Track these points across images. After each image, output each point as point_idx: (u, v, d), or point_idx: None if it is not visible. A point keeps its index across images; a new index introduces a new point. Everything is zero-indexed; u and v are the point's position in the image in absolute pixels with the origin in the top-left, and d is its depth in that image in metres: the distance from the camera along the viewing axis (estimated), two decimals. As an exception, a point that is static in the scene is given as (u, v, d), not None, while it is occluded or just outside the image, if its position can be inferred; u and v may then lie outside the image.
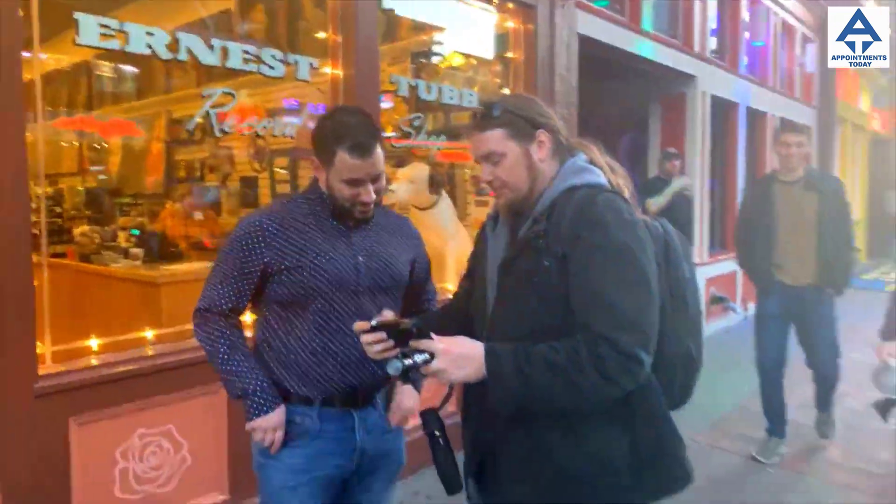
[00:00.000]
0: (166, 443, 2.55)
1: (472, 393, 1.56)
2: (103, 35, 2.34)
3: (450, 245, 4.01)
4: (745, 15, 7.80)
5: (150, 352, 2.66)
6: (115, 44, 2.37)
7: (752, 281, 4.09)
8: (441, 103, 3.81)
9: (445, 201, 4.15)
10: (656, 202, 5.48)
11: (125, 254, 4.64)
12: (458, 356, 1.36)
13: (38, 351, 2.24)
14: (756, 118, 8.46)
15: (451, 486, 1.53)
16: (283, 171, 5.55)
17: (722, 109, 7.53)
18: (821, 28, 10.04)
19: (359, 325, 1.54)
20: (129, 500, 2.45)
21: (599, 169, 1.54)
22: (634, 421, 1.42)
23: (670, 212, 5.35)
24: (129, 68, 5.67)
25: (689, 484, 1.48)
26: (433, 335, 1.39)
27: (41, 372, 2.23)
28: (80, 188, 6.14)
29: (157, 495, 2.53)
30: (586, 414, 1.40)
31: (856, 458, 3.92)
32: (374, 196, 1.73)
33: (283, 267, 1.69)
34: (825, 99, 10.38)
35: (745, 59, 7.99)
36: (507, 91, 4.36)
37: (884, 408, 3.41)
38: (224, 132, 2.73)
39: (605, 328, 1.31)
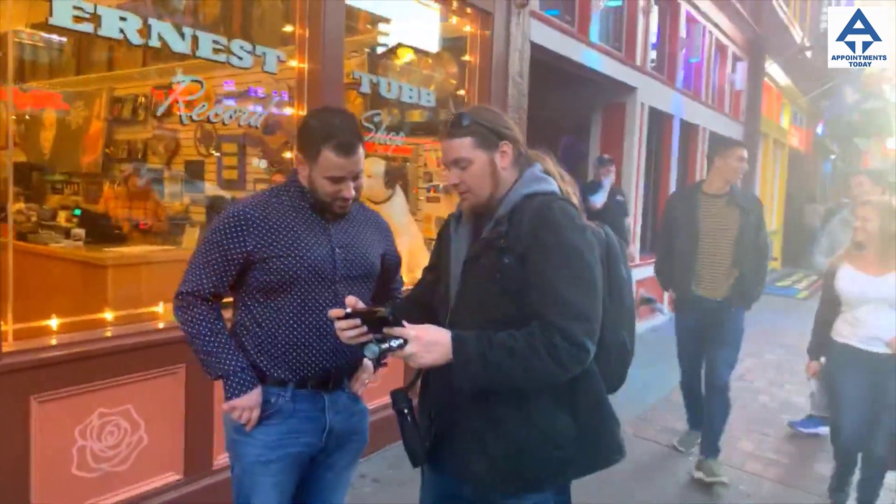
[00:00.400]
0: (124, 422, 2.58)
1: (432, 376, 1.71)
2: (76, 17, 2.35)
3: (402, 239, 4.11)
4: (682, 32, 8.23)
5: (108, 333, 2.68)
6: (88, 27, 2.38)
7: (666, 290, 4.14)
8: (400, 101, 3.93)
9: (399, 196, 4.27)
10: (597, 199, 5.83)
11: (66, 234, 4.55)
12: (428, 342, 1.52)
13: (2, 328, 2.25)
14: (689, 130, 8.96)
15: (416, 459, 1.71)
16: (219, 156, 5.46)
17: (658, 120, 7.94)
18: (750, 48, 10.68)
19: (334, 311, 1.65)
20: (85, 478, 2.47)
21: (552, 178, 1.72)
22: (578, 403, 1.62)
23: (605, 214, 5.69)
24: (58, 38, 5.44)
25: (622, 458, 1.69)
26: (405, 323, 1.54)
27: (4, 349, 2.23)
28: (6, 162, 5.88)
29: (113, 474, 2.56)
30: (537, 396, 1.59)
31: (765, 450, 4.29)
32: (353, 192, 1.85)
33: (265, 255, 1.79)
34: (751, 115, 11.05)
35: (681, 74, 8.44)
36: (462, 92, 4.52)
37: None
38: (192, 119, 2.76)
39: (558, 319, 1.49)
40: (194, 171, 5.54)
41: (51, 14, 2.29)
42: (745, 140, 10.89)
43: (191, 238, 4.86)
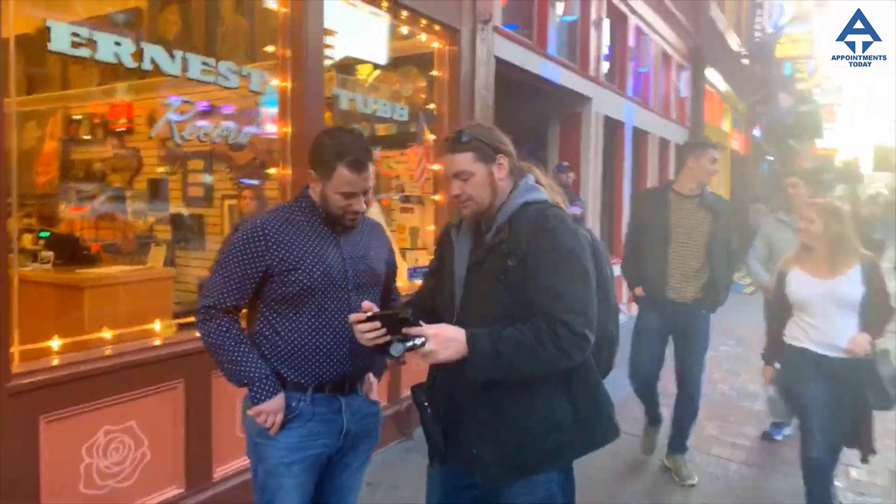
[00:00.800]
0: (128, 439, 2.61)
1: (441, 371, 1.85)
2: (74, 43, 2.40)
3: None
4: (631, 43, 8.61)
5: (108, 351, 2.71)
6: (85, 52, 2.44)
7: (632, 288, 3.93)
8: (375, 116, 4.06)
9: (375, 207, 4.39)
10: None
11: (34, 257, 4.49)
12: (446, 339, 1.67)
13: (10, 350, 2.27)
14: (639, 136, 9.35)
15: (436, 448, 1.84)
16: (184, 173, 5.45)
17: (611, 128, 8.27)
18: (692, 57, 11.20)
19: (354, 316, 1.78)
20: (92, 495, 2.50)
21: (543, 187, 1.90)
22: (576, 391, 1.80)
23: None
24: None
25: (617, 437, 1.88)
26: (421, 322, 1.69)
27: (13, 371, 2.26)
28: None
29: (118, 490, 2.59)
30: (539, 387, 1.75)
31: (728, 434, 4.58)
32: (363, 206, 1.98)
33: (283, 268, 1.89)
34: (695, 120, 11.58)
35: (630, 83, 8.82)
36: (432, 106, 4.67)
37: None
38: (184, 139, 2.83)
39: (560, 313, 1.66)
40: (158, 190, 5.52)
41: (49, 40, 2.34)
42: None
43: (156, 257, 4.86)
